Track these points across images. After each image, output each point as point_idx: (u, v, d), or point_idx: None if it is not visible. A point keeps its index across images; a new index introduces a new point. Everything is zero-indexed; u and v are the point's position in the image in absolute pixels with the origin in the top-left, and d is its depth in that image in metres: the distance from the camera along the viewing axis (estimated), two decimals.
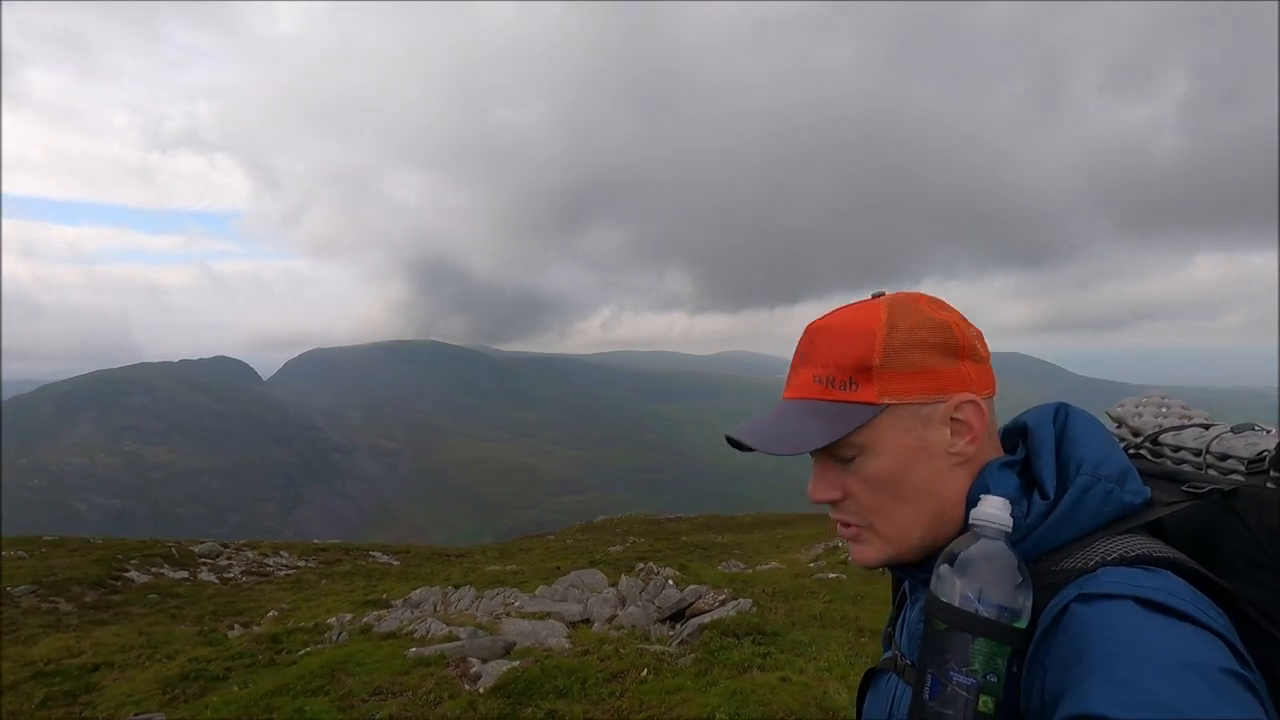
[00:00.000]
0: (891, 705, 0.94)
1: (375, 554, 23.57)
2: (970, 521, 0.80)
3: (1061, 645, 0.71)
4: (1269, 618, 0.73)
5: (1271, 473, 0.80)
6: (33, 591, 12.86)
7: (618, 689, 4.75)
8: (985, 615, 0.73)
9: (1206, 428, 0.95)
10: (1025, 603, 0.74)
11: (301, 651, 7.16)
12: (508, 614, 7.06)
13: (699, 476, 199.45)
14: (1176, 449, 0.96)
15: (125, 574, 15.08)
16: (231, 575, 17.17)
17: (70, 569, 14.48)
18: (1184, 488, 0.84)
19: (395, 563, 22.23)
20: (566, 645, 5.72)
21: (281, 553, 20.90)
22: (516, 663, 5.03)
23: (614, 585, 8.44)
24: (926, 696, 0.75)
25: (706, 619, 5.93)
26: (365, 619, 7.95)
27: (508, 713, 4.34)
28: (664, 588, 7.53)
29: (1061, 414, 0.88)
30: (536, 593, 8.19)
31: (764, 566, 13.18)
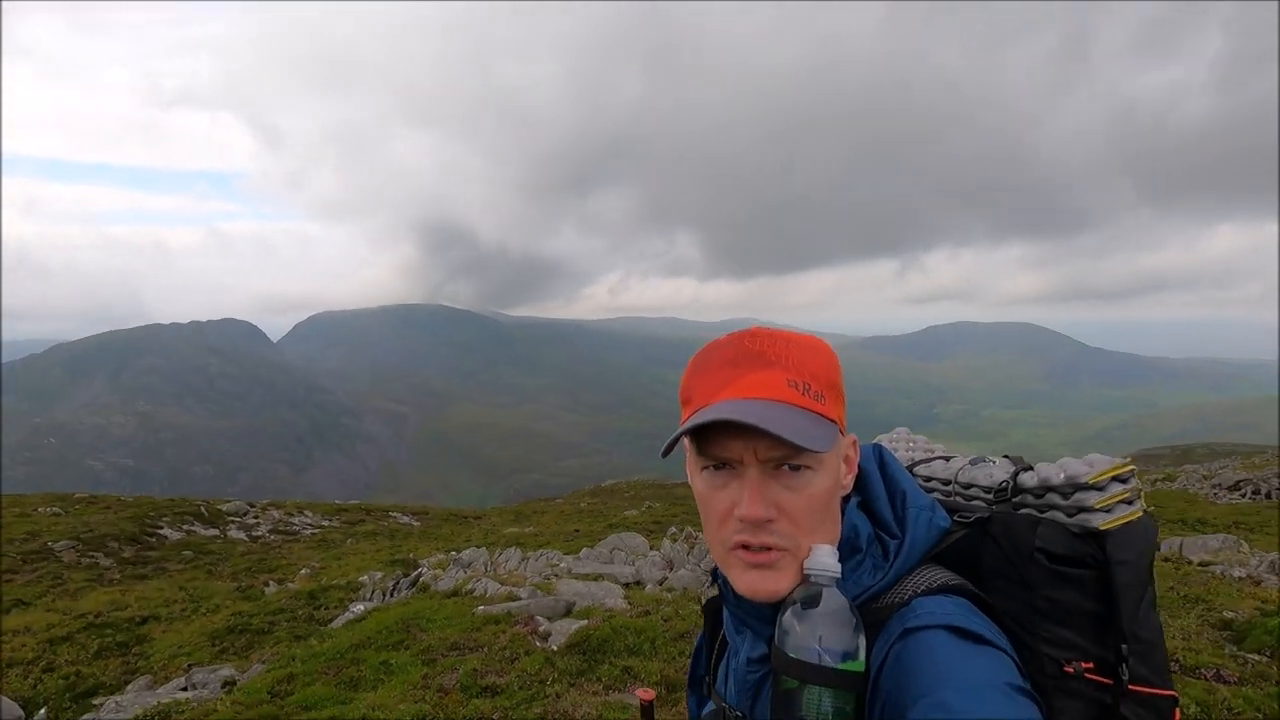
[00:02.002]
0: None
1: (395, 515, 23.94)
2: (806, 571, 0.84)
3: (890, 679, 0.79)
4: (1019, 623, 0.87)
5: (1012, 499, 0.96)
6: (73, 546, 13.13)
7: (686, 648, 4.82)
8: (831, 665, 0.78)
9: (947, 460, 1.12)
10: (861, 644, 0.81)
11: (356, 607, 7.29)
12: (556, 575, 7.15)
13: None
14: (928, 479, 1.11)
15: (159, 531, 15.37)
16: (260, 534, 17.48)
17: (106, 525, 14.76)
18: (954, 517, 0.97)
19: (415, 523, 22.58)
20: (625, 606, 5.80)
21: (305, 512, 21.24)
22: (584, 622, 5.11)
23: (656, 549, 8.54)
24: None
25: None
26: (419, 576, 8.08)
27: (585, 669, 4.42)
28: (708, 552, 7.58)
29: (877, 453, 0.99)
30: (580, 555, 8.30)
31: None
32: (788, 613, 0.81)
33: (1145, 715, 0.85)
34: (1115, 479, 0.90)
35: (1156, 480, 23.50)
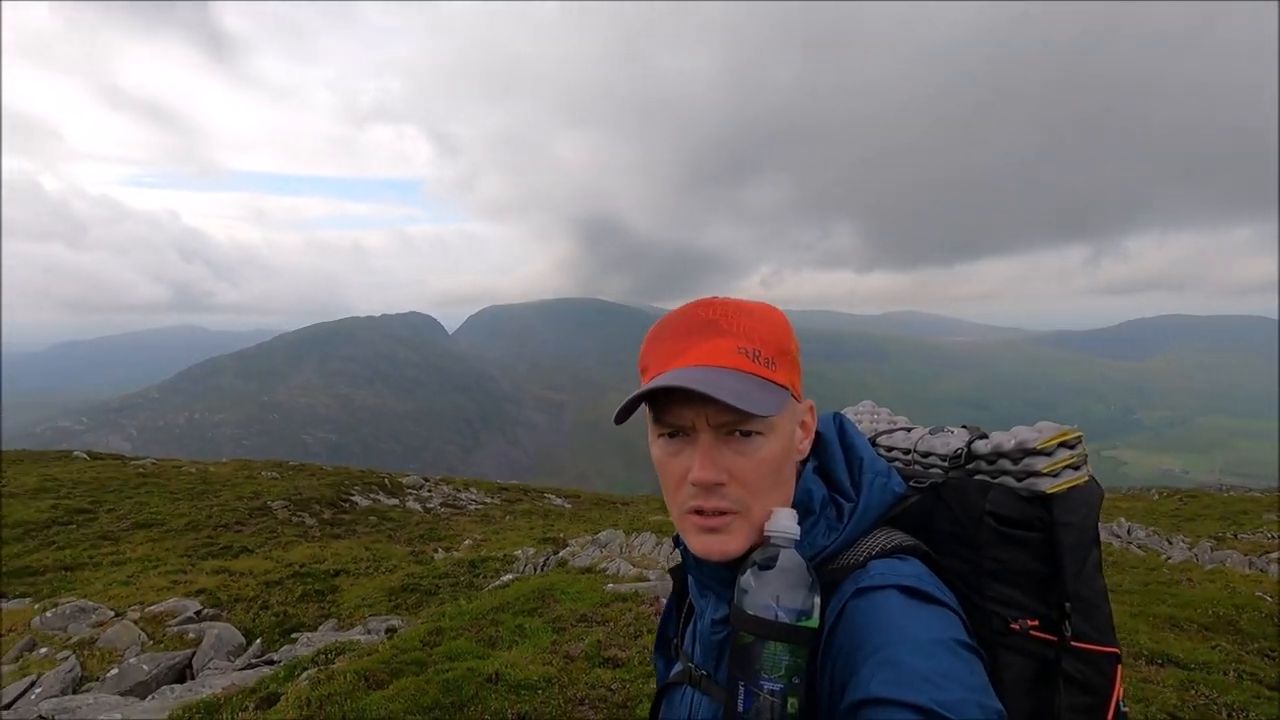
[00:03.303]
0: (689, 719, 1.00)
1: (549, 496, 25.42)
2: (766, 532, 0.86)
3: (843, 637, 0.81)
4: (967, 583, 0.91)
5: (966, 466, 0.99)
6: (286, 506, 15.38)
7: None
8: (786, 622, 0.81)
9: (909, 430, 1.16)
10: (816, 603, 0.83)
11: (505, 577, 7.92)
12: None
13: None
14: (890, 449, 1.15)
15: (351, 498, 17.54)
16: (432, 506, 19.34)
17: (311, 490, 17.10)
18: (910, 483, 1.00)
19: (567, 506, 23.83)
20: None
21: (471, 489, 23.16)
22: None
23: None
24: (740, 708, 0.81)
25: None
26: (560, 554, 8.62)
27: None
28: None
29: (837, 421, 1.03)
30: None
31: None
32: (746, 573, 0.85)
33: (1086, 670, 0.89)
34: (1063, 445, 0.93)
35: None
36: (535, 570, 9.20)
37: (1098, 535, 0.94)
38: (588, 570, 6.71)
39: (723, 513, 0.88)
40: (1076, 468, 0.93)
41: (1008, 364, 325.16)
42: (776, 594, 0.82)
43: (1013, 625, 0.89)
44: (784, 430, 0.90)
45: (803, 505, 0.93)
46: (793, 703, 0.80)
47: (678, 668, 1.07)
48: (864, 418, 1.27)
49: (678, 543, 0.99)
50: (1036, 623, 0.89)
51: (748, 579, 0.84)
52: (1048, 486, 0.91)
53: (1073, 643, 0.88)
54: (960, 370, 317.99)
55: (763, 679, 0.80)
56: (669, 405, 0.89)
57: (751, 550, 0.88)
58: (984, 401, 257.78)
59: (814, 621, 0.83)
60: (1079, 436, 0.94)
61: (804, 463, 0.96)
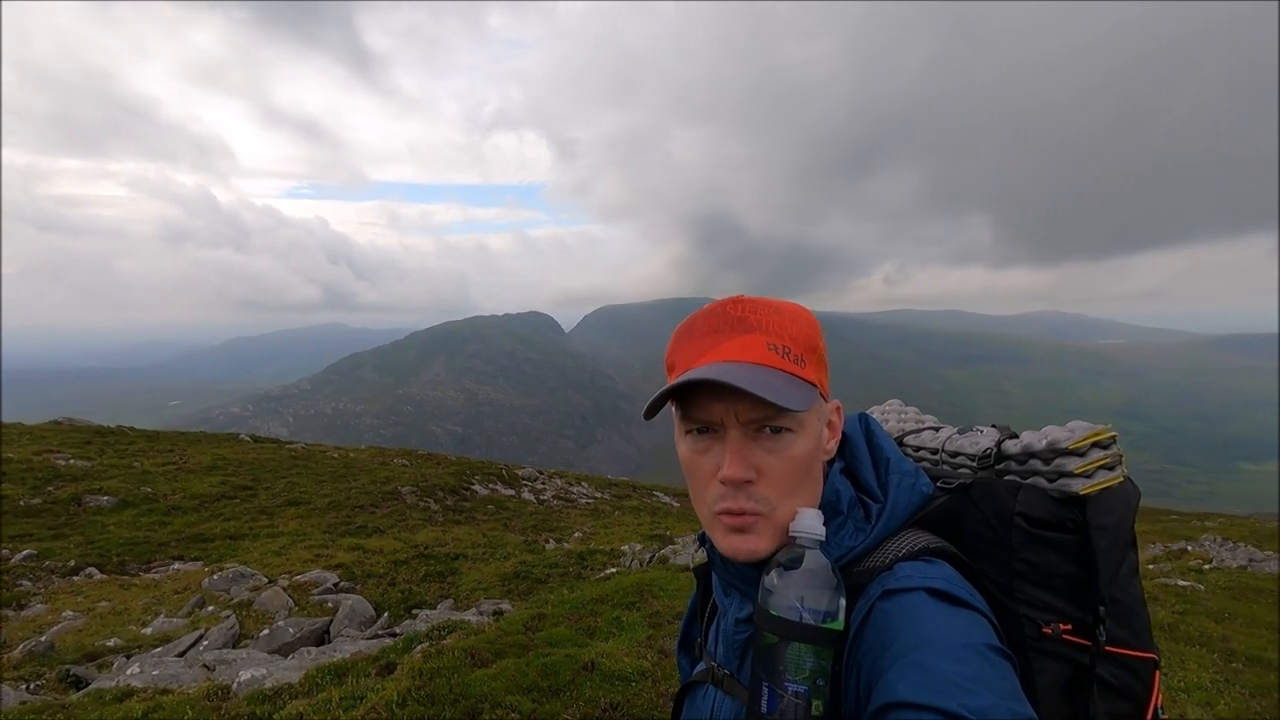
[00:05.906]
0: (711, 718, 0.99)
1: (658, 494, 25.67)
2: (791, 533, 0.85)
3: (870, 640, 0.80)
4: (998, 586, 0.90)
5: (996, 466, 0.98)
6: (414, 491, 16.54)
7: None
8: (811, 623, 0.80)
9: (937, 430, 1.14)
10: (842, 604, 0.82)
11: (609, 570, 8.13)
12: None
13: None
14: (917, 449, 1.13)
15: (471, 487, 18.59)
16: (545, 498, 20.11)
17: (436, 478, 18.28)
18: (938, 484, 1.00)
19: (675, 504, 23.97)
20: None
21: (583, 483, 23.85)
22: None
23: None
24: (764, 709, 0.79)
25: None
26: (662, 550, 8.73)
27: None
28: None
29: (864, 421, 1.01)
30: None
31: None
32: (771, 573, 0.84)
33: (1122, 676, 0.87)
34: (1096, 445, 0.91)
35: None
36: (639, 565, 9.35)
37: (1134, 538, 0.91)
38: (687, 568, 6.76)
39: (751, 513, 0.87)
40: (1111, 468, 0.90)
41: (1169, 370, 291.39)
42: (801, 595, 0.81)
43: (1045, 629, 0.87)
44: (813, 428, 0.89)
45: (830, 506, 0.91)
46: (817, 705, 0.79)
47: (701, 667, 1.06)
48: (891, 417, 1.24)
49: (703, 540, 1.00)
50: (1070, 627, 0.87)
51: (772, 579, 0.84)
52: (1080, 487, 0.89)
53: (1108, 648, 0.86)
54: (1110, 377, 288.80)
55: (787, 680, 0.79)
56: (698, 400, 0.88)
57: (778, 550, 0.87)
58: (1138, 412, 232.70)
59: (839, 624, 0.81)
60: (1113, 436, 0.92)
61: (830, 464, 0.95)
